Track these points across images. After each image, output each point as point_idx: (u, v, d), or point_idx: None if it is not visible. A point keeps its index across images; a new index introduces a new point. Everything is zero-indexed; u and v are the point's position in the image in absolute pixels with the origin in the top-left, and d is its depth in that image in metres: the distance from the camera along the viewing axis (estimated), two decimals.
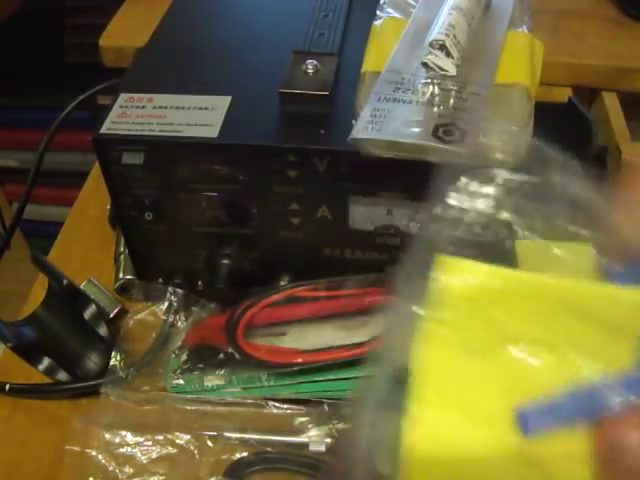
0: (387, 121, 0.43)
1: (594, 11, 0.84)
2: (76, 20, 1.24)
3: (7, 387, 0.54)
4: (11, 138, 1.32)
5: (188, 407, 0.51)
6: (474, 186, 0.26)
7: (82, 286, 0.58)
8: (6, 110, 1.30)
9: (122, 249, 0.60)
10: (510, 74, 0.47)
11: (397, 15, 0.52)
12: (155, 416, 0.51)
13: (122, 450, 0.49)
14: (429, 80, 0.45)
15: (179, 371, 0.53)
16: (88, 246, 0.65)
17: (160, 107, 0.50)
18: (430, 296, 0.25)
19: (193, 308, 0.56)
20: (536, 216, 0.25)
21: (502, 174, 0.25)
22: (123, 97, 0.51)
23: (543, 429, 0.24)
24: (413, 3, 0.53)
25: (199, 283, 0.57)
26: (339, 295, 0.51)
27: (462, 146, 0.41)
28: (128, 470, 0.48)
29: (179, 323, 0.56)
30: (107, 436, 0.50)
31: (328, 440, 0.49)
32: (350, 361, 0.48)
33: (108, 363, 0.54)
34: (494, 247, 0.25)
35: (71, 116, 0.62)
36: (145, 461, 0.49)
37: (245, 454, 0.49)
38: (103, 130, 0.49)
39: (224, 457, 0.49)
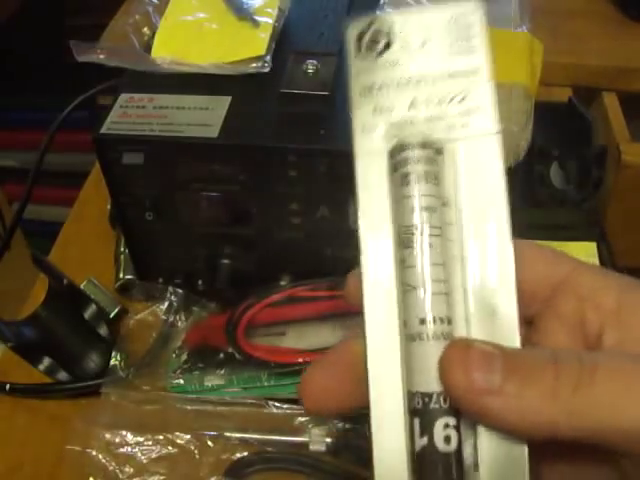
0: None
1: (594, 11, 0.84)
2: (76, 20, 1.24)
3: (7, 387, 0.54)
4: (11, 138, 1.32)
5: (188, 407, 0.51)
6: None
7: (82, 286, 0.58)
8: (6, 110, 1.30)
9: (122, 249, 0.60)
10: (510, 74, 0.47)
11: None
12: (155, 416, 0.51)
13: (122, 450, 0.49)
14: None
15: (179, 371, 0.53)
16: (88, 246, 0.65)
17: (160, 107, 0.50)
18: None
19: (193, 308, 0.56)
20: None
21: None
22: (123, 97, 0.51)
23: None
24: (413, 3, 0.53)
25: (199, 283, 0.57)
26: (339, 295, 0.51)
27: None
28: (128, 470, 0.48)
29: (179, 323, 0.56)
30: (107, 436, 0.50)
31: (328, 440, 0.49)
32: None
33: (108, 363, 0.54)
34: None
35: (71, 116, 0.62)
36: (145, 461, 0.49)
37: (245, 454, 0.49)
38: (103, 130, 0.49)
39: (224, 457, 0.49)
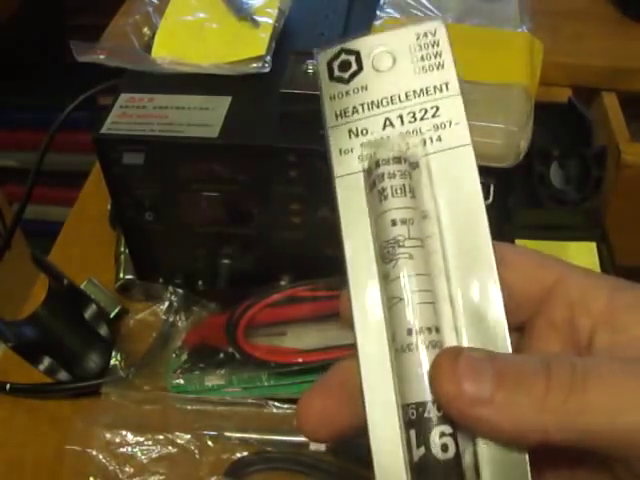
0: None
1: (593, 11, 0.84)
2: (76, 20, 1.24)
3: (8, 387, 0.54)
4: (11, 138, 1.32)
5: (188, 407, 0.51)
6: None
7: (82, 286, 0.58)
8: (6, 110, 1.30)
9: (122, 249, 0.60)
10: (510, 74, 0.47)
11: (397, 15, 0.52)
12: (155, 416, 0.51)
13: (122, 450, 0.49)
14: None
15: (179, 371, 0.53)
16: (88, 246, 0.65)
17: (160, 107, 0.50)
18: None
19: (193, 308, 0.56)
20: None
21: None
22: (124, 97, 0.51)
23: None
24: (413, 3, 0.53)
25: (199, 283, 0.57)
26: (339, 295, 0.51)
27: None
28: (128, 470, 0.48)
29: (179, 323, 0.56)
30: (107, 436, 0.50)
31: None
32: None
33: (108, 363, 0.54)
34: None
35: (71, 116, 0.62)
36: (145, 461, 0.49)
37: (245, 454, 0.49)
38: (104, 130, 0.49)
39: (224, 457, 0.49)
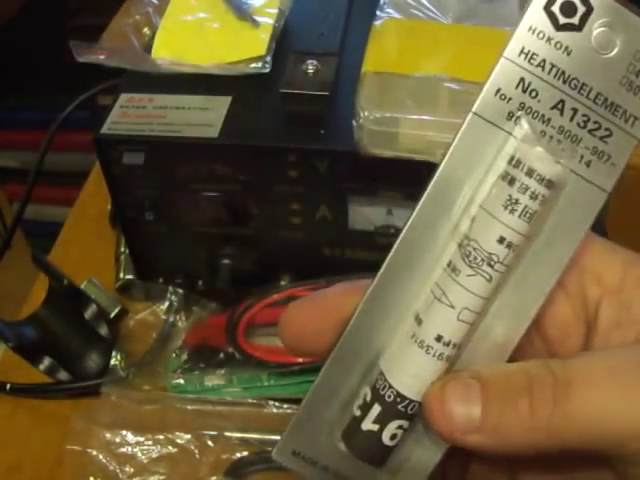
0: None
1: None
2: (76, 20, 1.24)
3: (8, 387, 0.54)
4: (11, 138, 1.32)
5: (189, 407, 0.51)
6: None
7: (82, 286, 0.58)
8: (6, 110, 1.30)
9: (122, 249, 0.60)
10: None
11: (397, 15, 0.52)
12: (155, 416, 0.51)
13: (122, 450, 0.49)
14: None
15: (179, 371, 0.53)
16: (88, 246, 0.65)
17: (160, 107, 0.50)
18: None
19: (193, 308, 0.56)
20: None
21: None
22: (124, 97, 0.51)
23: None
24: (413, 3, 0.53)
25: (199, 283, 0.57)
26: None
27: None
28: (128, 470, 0.48)
29: (179, 323, 0.56)
30: (107, 435, 0.50)
31: None
32: None
33: (108, 363, 0.54)
34: None
35: (71, 116, 0.62)
36: (145, 461, 0.49)
37: (245, 453, 0.49)
38: (104, 130, 0.49)
39: (224, 456, 0.49)
